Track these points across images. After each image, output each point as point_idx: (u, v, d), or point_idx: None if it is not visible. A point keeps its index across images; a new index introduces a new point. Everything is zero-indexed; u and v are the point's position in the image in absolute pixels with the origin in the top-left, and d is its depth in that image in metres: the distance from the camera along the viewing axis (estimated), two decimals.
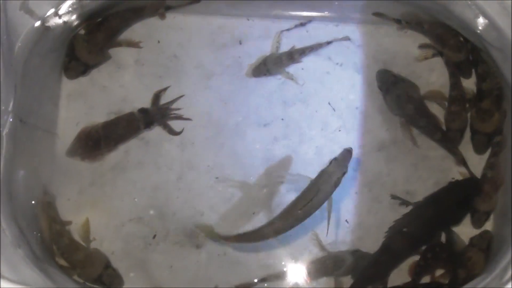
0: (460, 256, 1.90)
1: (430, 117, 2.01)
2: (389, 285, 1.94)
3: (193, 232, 1.97)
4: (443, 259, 1.91)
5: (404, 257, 1.94)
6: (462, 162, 1.99)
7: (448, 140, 2.00)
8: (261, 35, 2.08)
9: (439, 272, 1.94)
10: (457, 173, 2.00)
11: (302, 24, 2.08)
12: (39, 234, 1.84)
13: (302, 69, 2.07)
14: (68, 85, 2.04)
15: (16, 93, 1.74)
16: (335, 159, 1.73)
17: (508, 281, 1.44)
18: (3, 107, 1.67)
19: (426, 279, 1.94)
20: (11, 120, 1.73)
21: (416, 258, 1.94)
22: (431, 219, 1.93)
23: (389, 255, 1.92)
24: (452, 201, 1.94)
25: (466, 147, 2.02)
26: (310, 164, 2.00)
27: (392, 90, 2.01)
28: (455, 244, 1.94)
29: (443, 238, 1.96)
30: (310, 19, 2.08)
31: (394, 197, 1.98)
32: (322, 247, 1.95)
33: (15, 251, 1.60)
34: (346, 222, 1.98)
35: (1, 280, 1.40)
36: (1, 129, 1.67)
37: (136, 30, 2.07)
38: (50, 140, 1.98)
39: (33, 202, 1.87)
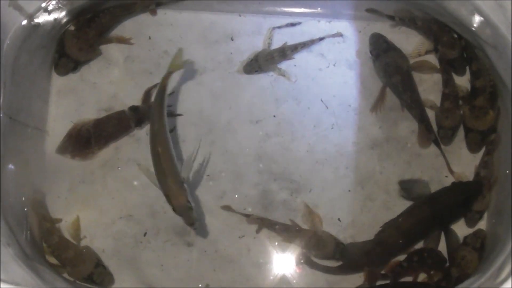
0: (454, 255, 1.89)
1: (413, 92, 2.00)
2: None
3: (184, 230, 1.95)
4: (428, 265, 1.89)
5: (396, 253, 1.92)
6: (436, 143, 1.99)
7: (426, 119, 1.99)
8: (253, 32, 2.07)
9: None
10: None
11: (292, 24, 2.06)
12: (29, 232, 1.84)
13: (294, 65, 2.05)
14: (58, 82, 2.03)
15: (5, 90, 1.73)
16: None
17: (505, 281, 1.43)
18: None
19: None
20: (0, 117, 1.73)
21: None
22: (428, 219, 1.91)
23: (382, 248, 1.91)
24: (452, 202, 1.92)
25: (459, 145, 2.00)
26: (302, 161, 2.00)
27: (382, 57, 2.01)
28: (453, 244, 1.93)
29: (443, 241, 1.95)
30: (301, 20, 2.06)
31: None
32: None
33: (5, 249, 1.59)
34: (338, 220, 1.97)
35: None
36: None
37: (127, 27, 2.06)
38: (40, 138, 1.98)
39: (23, 199, 1.86)
